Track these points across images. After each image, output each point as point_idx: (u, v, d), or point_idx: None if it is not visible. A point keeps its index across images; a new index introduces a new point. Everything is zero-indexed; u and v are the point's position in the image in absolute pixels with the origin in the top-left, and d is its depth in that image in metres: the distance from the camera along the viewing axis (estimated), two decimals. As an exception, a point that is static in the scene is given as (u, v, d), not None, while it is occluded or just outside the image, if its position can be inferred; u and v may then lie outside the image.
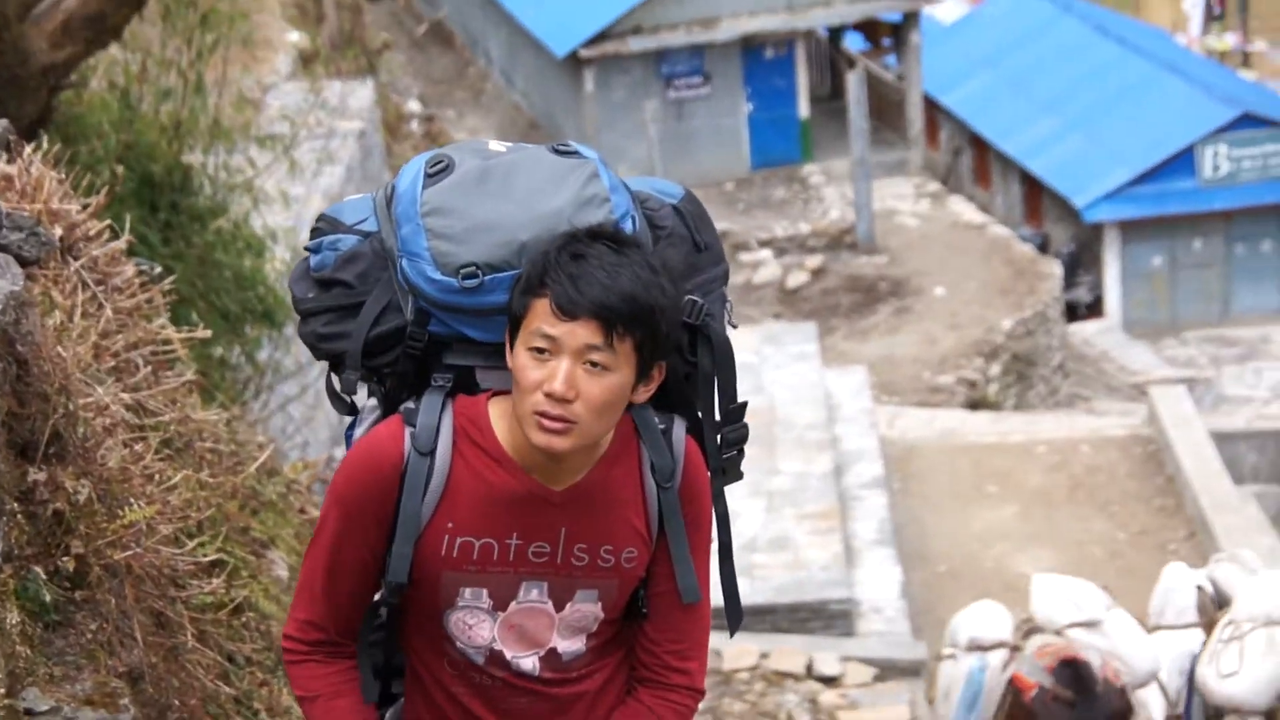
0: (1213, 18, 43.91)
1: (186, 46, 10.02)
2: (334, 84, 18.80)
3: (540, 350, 2.56)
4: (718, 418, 2.95)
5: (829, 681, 12.56)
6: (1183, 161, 30.70)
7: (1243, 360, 29.13)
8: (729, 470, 3.03)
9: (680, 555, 2.86)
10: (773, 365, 20.88)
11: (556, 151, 2.88)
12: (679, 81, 30.93)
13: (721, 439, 2.96)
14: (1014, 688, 8.47)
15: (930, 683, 10.28)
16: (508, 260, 2.71)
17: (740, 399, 2.98)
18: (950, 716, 9.24)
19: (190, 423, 4.70)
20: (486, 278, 2.72)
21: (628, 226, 2.77)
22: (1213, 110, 31.31)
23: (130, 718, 3.47)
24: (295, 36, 22.73)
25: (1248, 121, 31.06)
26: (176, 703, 3.94)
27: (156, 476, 4.18)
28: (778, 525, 16.95)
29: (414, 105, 28.01)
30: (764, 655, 12.86)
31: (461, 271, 2.70)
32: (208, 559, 4.33)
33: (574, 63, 29.96)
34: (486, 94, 32.38)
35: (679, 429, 2.87)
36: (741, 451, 3.02)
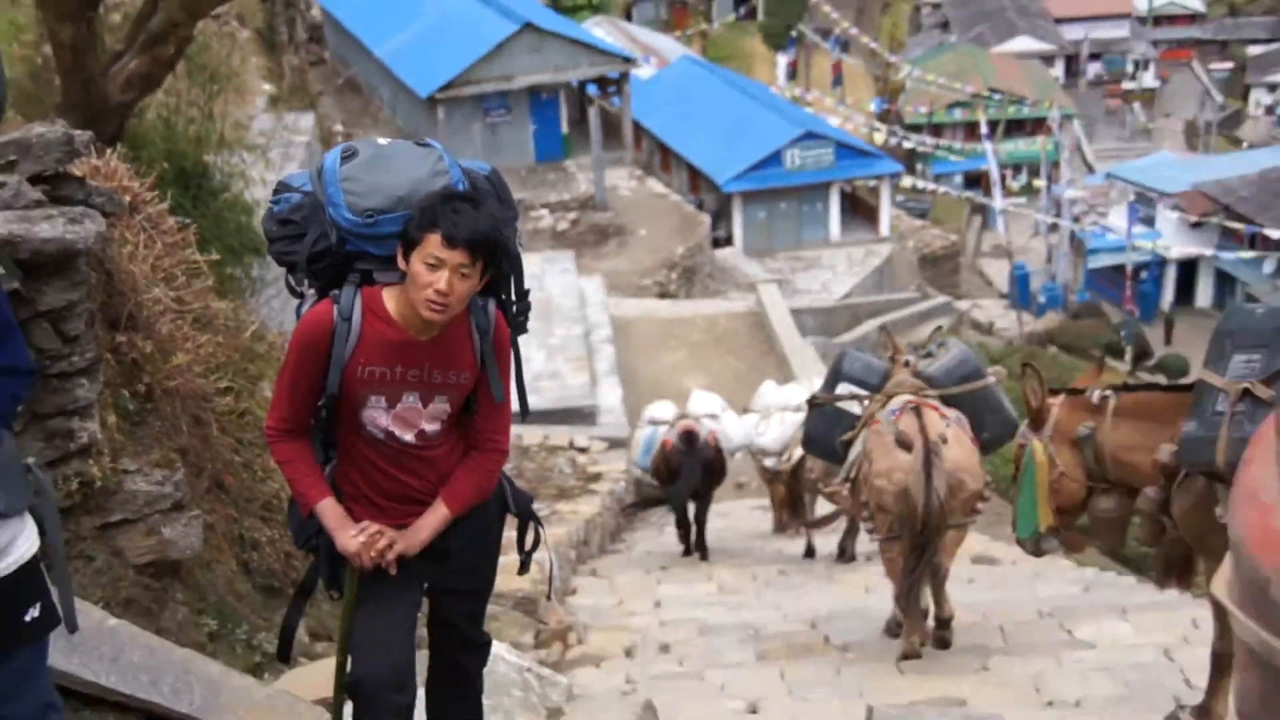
0: (790, 76, 42.65)
1: (202, 91, 9.55)
2: (290, 115, 17.87)
3: (432, 265, 2.55)
4: (515, 299, 2.90)
5: (582, 450, 12.42)
6: (775, 158, 29.78)
7: (807, 269, 28.41)
8: (519, 328, 2.93)
9: (492, 375, 2.81)
10: (549, 275, 20.31)
11: (418, 144, 2.80)
12: (493, 113, 28.78)
13: (517, 310, 2.90)
14: (662, 444, 8.81)
15: (631, 445, 10.41)
16: (392, 207, 2.65)
17: (528, 290, 2.94)
18: (636, 458, 9.47)
19: (210, 309, 4.53)
20: (380, 217, 2.66)
21: (459, 186, 2.73)
22: (791, 129, 30.46)
23: (181, 474, 3.43)
24: (267, 87, 21.19)
25: (809, 136, 30.25)
26: (209, 466, 3.88)
27: (191, 338, 4.04)
28: (553, 365, 16.72)
29: (338, 127, 25.79)
30: (545, 436, 12.68)
31: (365, 213, 2.64)
32: (224, 386, 4.21)
33: (431, 102, 27.75)
34: (381, 121, 29.85)
35: (491, 305, 2.81)
36: (527, 317, 2.96)
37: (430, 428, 2.86)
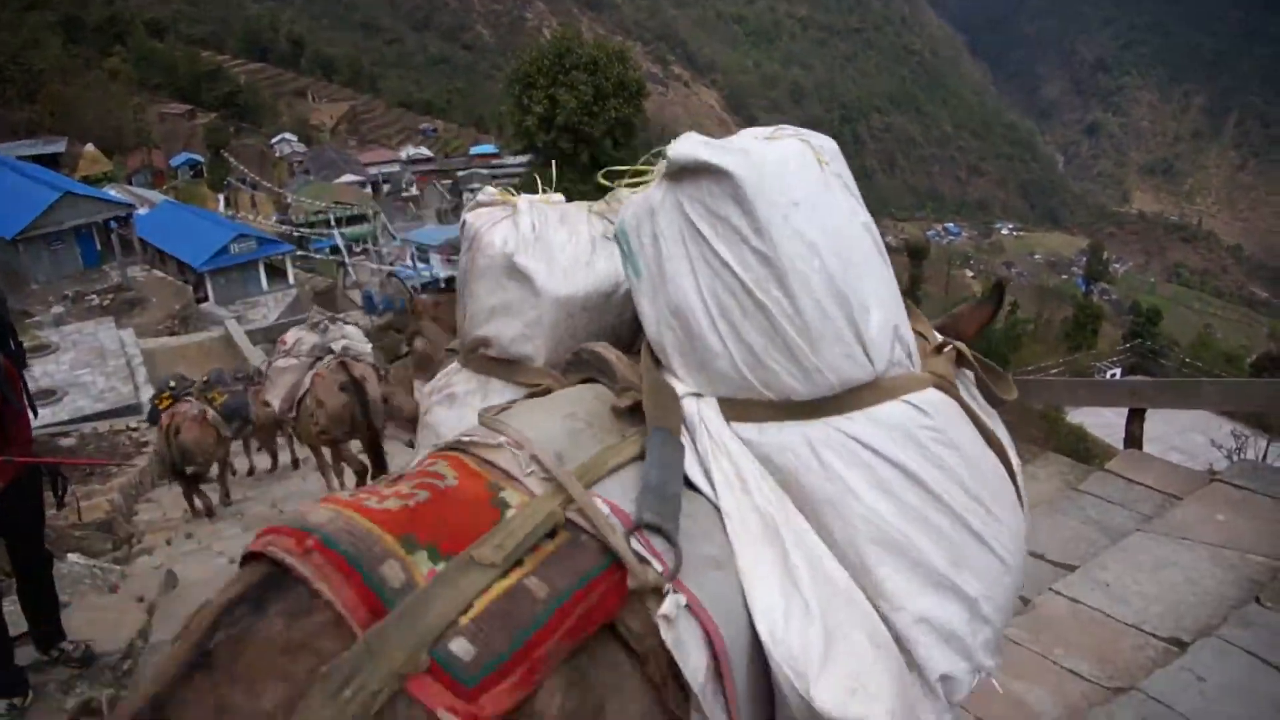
0: (227, 205, 49.02)
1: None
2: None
3: None
4: (14, 348, 3.35)
5: (134, 429, 12.45)
6: (225, 250, 32.78)
7: (253, 308, 31.44)
8: (22, 364, 3.33)
9: (10, 395, 3.19)
10: (101, 332, 20.45)
11: None
12: (54, 243, 31.14)
13: (16, 354, 3.37)
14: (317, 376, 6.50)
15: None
16: None
17: (21, 341, 3.39)
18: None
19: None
20: None
21: None
22: (230, 233, 34.01)
23: None
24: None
25: (241, 236, 34.01)
26: None
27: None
28: (110, 383, 16.47)
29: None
30: (110, 425, 12.91)
31: None
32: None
33: (14, 242, 30.17)
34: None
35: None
36: (25, 357, 3.42)
37: None
